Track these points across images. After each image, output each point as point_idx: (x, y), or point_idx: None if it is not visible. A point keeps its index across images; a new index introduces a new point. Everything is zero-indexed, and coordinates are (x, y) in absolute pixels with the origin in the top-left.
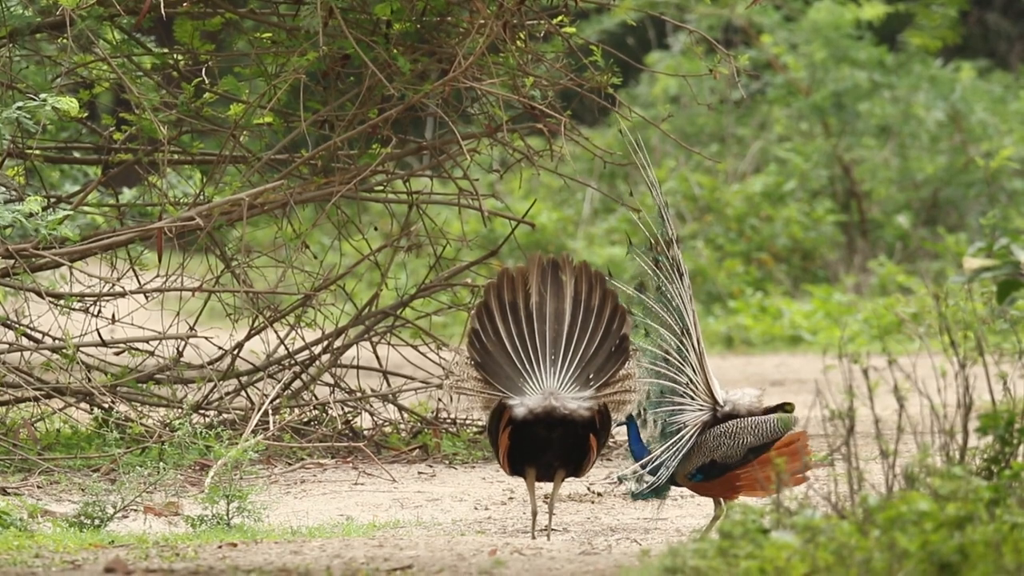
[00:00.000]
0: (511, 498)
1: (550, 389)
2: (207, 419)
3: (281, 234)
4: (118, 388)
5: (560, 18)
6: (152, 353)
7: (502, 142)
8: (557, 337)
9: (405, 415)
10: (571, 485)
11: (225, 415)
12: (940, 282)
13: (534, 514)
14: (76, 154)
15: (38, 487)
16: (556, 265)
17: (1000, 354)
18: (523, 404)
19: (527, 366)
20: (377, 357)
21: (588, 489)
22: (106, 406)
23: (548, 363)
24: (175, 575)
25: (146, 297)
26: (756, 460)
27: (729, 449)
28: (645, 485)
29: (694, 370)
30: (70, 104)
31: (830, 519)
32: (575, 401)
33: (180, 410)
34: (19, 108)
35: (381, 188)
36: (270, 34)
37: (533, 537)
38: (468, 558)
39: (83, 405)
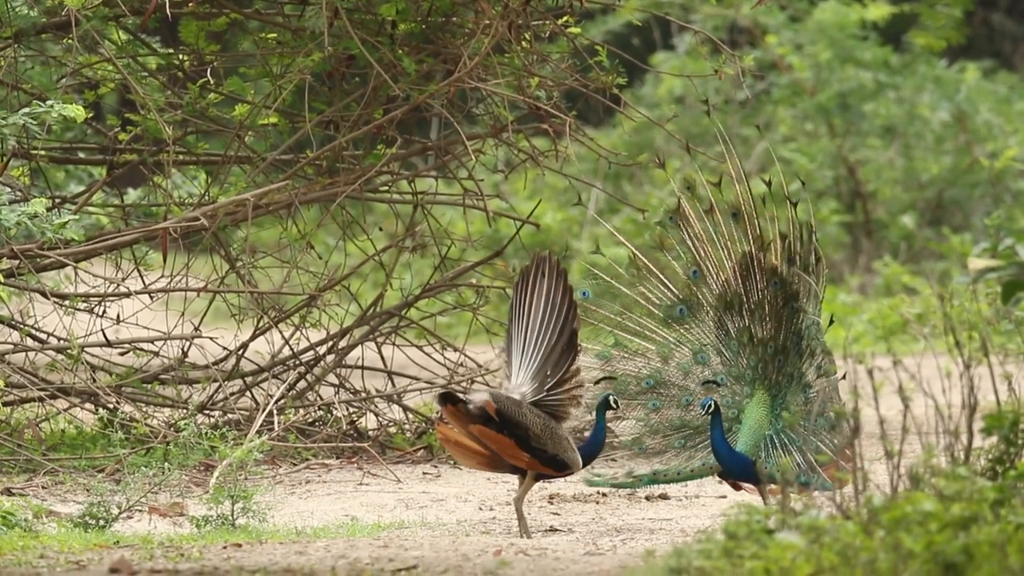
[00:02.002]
0: None
1: (510, 386)
2: (212, 419)
3: (286, 234)
4: (123, 388)
5: (565, 18)
6: (157, 353)
7: (507, 142)
8: (529, 334)
9: (410, 415)
10: (576, 486)
11: (230, 415)
12: (945, 282)
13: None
14: (81, 154)
15: (43, 487)
16: (541, 263)
17: (1005, 354)
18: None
19: (510, 363)
20: (382, 357)
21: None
22: (111, 406)
23: (518, 360)
24: (180, 575)
25: (151, 297)
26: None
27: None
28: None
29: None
30: (77, 112)
31: (835, 519)
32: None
33: (185, 410)
34: (25, 114)
35: (386, 188)
36: (275, 34)
37: (521, 536)
38: (473, 558)
39: (88, 405)
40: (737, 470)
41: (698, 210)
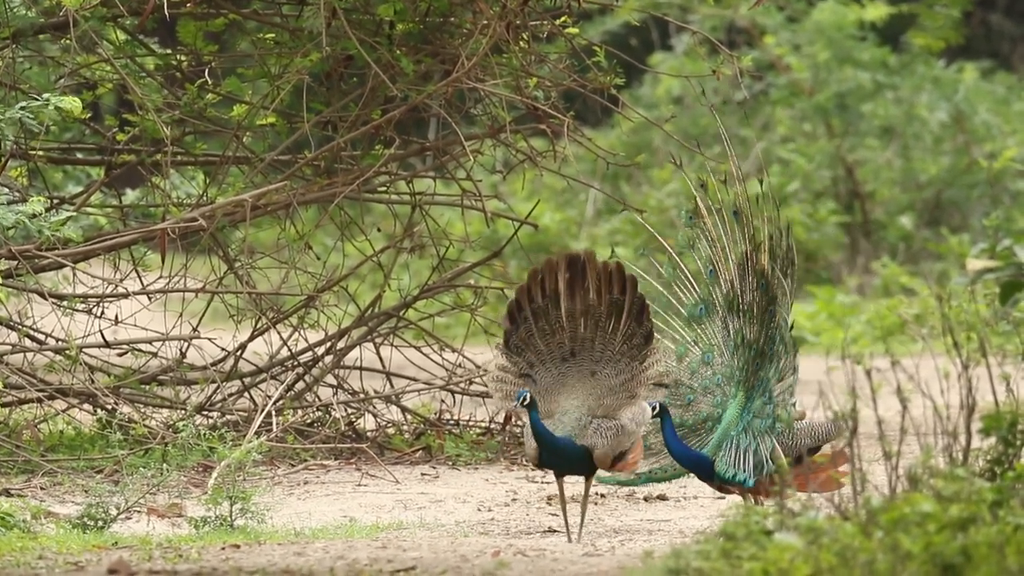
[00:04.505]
0: (514, 499)
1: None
2: (210, 420)
3: (284, 235)
4: (121, 389)
5: (563, 19)
6: (155, 354)
7: (505, 143)
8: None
9: (408, 416)
10: (575, 487)
11: (228, 416)
12: (943, 283)
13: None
14: (79, 155)
15: (41, 488)
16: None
17: (1003, 355)
18: None
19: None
20: (380, 358)
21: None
22: (109, 407)
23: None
24: None
25: (149, 298)
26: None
27: (787, 450)
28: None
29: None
30: (73, 104)
31: (833, 520)
32: None
33: (183, 411)
34: (22, 108)
35: (384, 189)
36: (273, 35)
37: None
38: (471, 559)
39: (86, 406)
40: (692, 467)
41: (712, 209)
